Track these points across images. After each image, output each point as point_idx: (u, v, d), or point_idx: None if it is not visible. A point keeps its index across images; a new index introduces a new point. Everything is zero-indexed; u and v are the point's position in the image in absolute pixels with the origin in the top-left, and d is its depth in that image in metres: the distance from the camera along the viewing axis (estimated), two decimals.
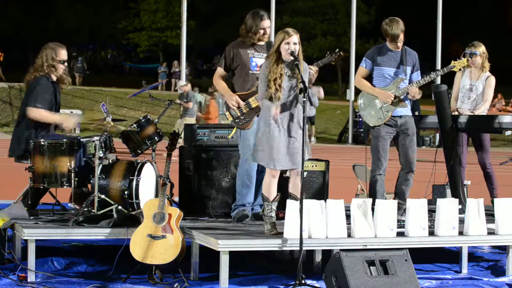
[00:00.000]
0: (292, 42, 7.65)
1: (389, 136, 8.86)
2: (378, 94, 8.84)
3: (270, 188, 7.76)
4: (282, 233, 7.57)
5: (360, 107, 9.03)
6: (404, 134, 8.91)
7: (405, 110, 8.90)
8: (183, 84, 24.13)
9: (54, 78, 8.87)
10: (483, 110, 9.85)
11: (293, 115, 7.70)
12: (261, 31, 8.65)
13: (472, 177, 10.33)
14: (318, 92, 7.96)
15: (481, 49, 9.87)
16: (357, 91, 9.06)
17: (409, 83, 8.90)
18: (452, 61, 9.11)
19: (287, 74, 7.71)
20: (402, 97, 8.83)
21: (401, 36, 8.83)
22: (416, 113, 9.21)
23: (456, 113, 9.79)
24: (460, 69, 9.18)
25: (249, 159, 8.27)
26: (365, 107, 8.95)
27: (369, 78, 8.97)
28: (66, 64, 8.89)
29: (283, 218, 7.77)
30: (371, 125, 8.89)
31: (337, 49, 8.86)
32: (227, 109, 8.63)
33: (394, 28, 8.80)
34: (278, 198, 7.78)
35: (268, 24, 8.68)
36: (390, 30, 8.80)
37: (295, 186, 7.78)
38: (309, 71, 7.99)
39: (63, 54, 8.86)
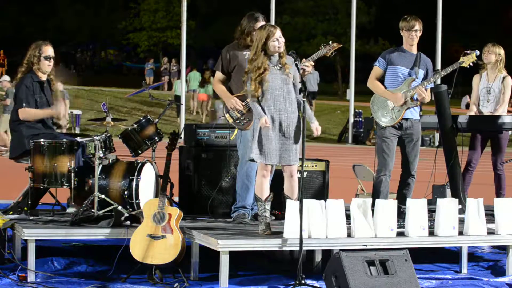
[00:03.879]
0: (278, 37, 7.64)
1: (393, 136, 8.80)
2: (389, 96, 8.79)
3: (262, 187, 7.74)
4: (276, 233, 7.59)
5: (373, 110, 8.96)
6: (408, 138, 8.84)
7: (413, 114, 8.85)
8: (5, 79, 22.70)
9: (43, 77, 8.85)
10: (501, 112, 9.86)
11: (286, 110, 7.69)
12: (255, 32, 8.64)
13: (473, 177, 10.32)
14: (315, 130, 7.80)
15: (498, 50, 9.95)
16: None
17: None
18: (461, 57, 9.04)
19: (277, 69, 7.69)
20: (414, 97, 8.78)
21: (417, 26, 8.79)
22: (421, 113, 9.11)
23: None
24: (469, 65, 9.13)
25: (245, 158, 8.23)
26: (378, 109, 8.88)
27: (381, 78, 8.89)
28: (52, 61, 8.85)
29: (282, 217, 7.78)
30: (384, 125, 8.80)
31: (331, 41, 8.81)
32: (227, 111, 8.62)
33: (410, 19, 8.82)
34: (271, 197, 7.76)
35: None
36: (407, 20, 8.81)
37: (288, 188, 7.79)
38: (297, 65, 7.78)
39: (48, 50, 8.83)
